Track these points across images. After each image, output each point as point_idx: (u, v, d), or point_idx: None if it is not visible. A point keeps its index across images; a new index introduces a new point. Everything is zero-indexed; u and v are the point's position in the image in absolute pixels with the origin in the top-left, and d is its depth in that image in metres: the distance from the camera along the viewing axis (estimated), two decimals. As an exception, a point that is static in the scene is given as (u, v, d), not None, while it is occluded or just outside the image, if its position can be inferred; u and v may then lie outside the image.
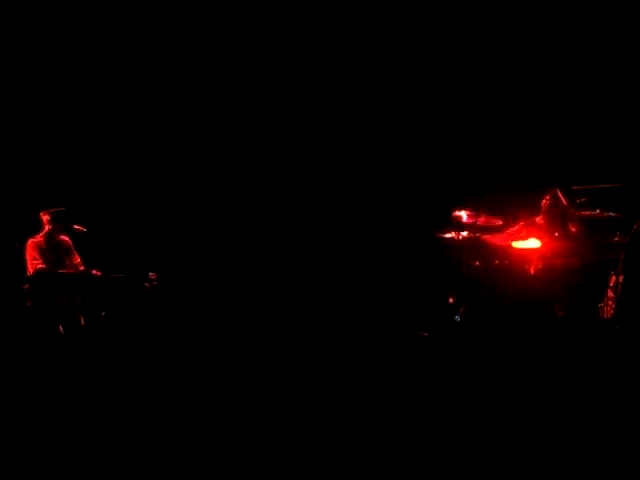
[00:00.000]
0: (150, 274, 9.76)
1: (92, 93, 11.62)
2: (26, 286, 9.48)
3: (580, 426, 6.44)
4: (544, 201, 10.48)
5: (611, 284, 10.18)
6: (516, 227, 10.52)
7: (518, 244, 10.21)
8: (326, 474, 5.72)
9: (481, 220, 10.43)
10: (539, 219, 10.52)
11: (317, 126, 11.97)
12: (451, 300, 10.32)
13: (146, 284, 9.72)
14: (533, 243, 10.30)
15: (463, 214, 10.40)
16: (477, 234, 10.37)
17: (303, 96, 11.84)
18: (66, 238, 9.92)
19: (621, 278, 10.21)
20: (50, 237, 9.79)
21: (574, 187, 10.48)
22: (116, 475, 5.74)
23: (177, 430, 6.51)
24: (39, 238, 9.75)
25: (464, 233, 10.39)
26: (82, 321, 9.47)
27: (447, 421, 6.63)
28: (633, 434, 6.19)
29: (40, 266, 9.53)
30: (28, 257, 9.62)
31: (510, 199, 10.88)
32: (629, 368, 8.12)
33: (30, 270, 9.56)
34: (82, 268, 9.82)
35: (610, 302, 10.08)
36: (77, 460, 5.93)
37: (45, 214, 9.82)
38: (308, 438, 6.28)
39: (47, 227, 9.82)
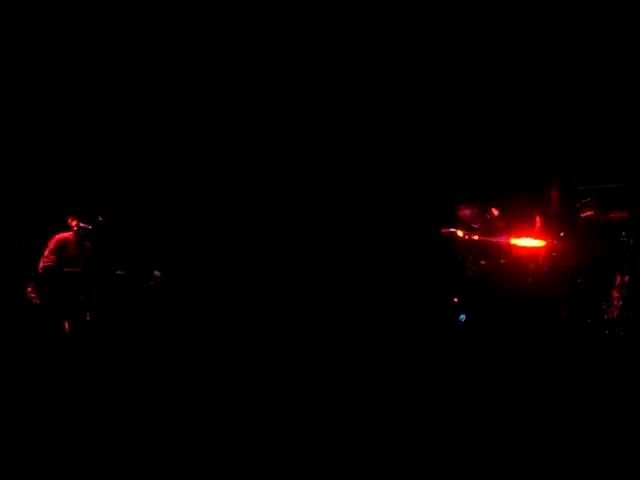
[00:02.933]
0: (155, 272, 9.79)
1: (96, 93, 11.65)
2: (33, 283, 9.50)
3: (581, 426, 6.45)
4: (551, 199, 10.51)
5: (616, 284, 10.19)
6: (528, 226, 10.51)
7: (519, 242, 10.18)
8: (325, 474, 5.72)
9: (487, 217, 10.41)
10: (550, 216, 10.53)
11: (320, 122, 11.98)
12: (456, 299, 10.32)
13: (151, 282, 9.75)
14: (534, 242, 10.31)
15: (469, 211, 10.38)
16: (484, 232, 10.35)
17: (306, 93, 11.85)
18: (90, 245, 9.90)
19: (626, 278, 10.23)
20: (78, 237, 9.76)
21: (580, 187, 10.51)
22: (116, 474, 5.76)
23: (177, 429, 6.53)
24: (68, 234, 9.71)
25: (470, 231, 10.37)
26: (87, 318, 9.50)
27: (447, 421, 6.64)
28: (633, 434, 6.20)
29: (49, 264, 9.53)
30: (47, 250, 9.62)
31: (515, 197, 10.90)
32: (633, 368, 8.12)
33: (40, 264, 9.57)
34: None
35: (615, 302, 10.09)
36: (78, 458, 5.94)
37: (73, 219, 9.76)
38: (307, 438, 6.29)
39: (74, 229, 9.80)
